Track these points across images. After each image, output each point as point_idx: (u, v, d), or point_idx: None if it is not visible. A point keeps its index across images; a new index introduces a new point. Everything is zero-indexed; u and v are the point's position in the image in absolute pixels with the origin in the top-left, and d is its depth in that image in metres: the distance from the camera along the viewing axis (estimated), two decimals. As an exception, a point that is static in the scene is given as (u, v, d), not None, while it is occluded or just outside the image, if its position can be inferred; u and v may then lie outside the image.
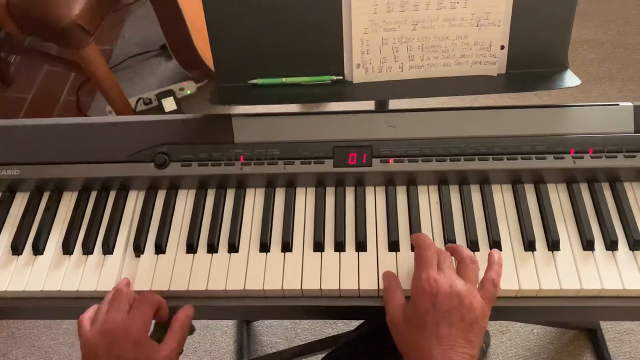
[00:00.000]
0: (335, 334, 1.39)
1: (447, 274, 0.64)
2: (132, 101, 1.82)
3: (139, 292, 0.69)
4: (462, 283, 0.63)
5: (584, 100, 1.79)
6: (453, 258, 0.68)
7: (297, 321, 1.43)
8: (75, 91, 1.96)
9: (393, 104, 0.96)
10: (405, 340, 0.63)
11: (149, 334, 0.66)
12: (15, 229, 0.80)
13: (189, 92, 1.88)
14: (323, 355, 1.27)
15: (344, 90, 0.82)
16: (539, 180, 0.78)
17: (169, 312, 0.70)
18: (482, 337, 0.63)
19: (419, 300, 0.63)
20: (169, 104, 1.80)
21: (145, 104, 1.83)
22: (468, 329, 0.61)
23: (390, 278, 0.69)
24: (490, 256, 0.68)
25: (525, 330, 1.38)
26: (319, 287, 0.71)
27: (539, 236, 0.74)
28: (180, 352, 0.77)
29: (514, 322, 1.39)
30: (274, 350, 1.38)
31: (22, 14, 1.45)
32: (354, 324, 1.37)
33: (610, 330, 1.37)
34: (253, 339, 1.41)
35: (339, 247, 0.74)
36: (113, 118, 0.82)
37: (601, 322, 1.37)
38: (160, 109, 1.81)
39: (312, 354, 1.28)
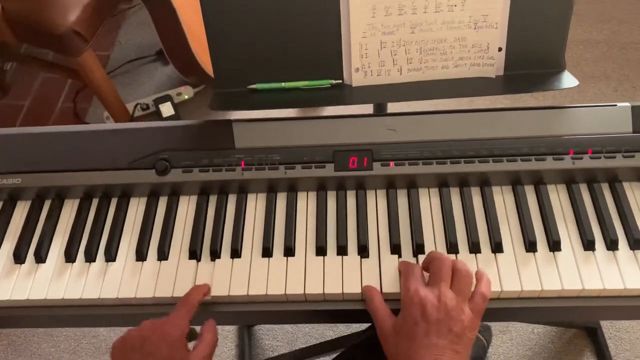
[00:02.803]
0: (336, 337, 1.39)
1: (438, 286, 0.65)
2: (130, 107, 1.82)
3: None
4: (452, 295, 0.64)
5: (580, 100, 1.80)
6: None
7: (299, 325, 1.43)
8: (72, 98, 1.96)
9: (391, 107, 0.96)
10: (395, 352, 0.64)
11: None
12: (17, 238, 0.79)
13: (186, 97, 1.88)
14: (323, 358, 1.27)
15: (343, 94, 0.83)
16: (538, 181, 0.79)
17: None
18: (471, 348, 0.64)
19: (408, 312, 0.64)
20: (167, 109, 1.80)
21: (143, 109, 1.83)
22: (456, 341, 0.62)
23: (370, 292, 0.70)
24: (479, 272, 0.69)
25: (525, 329, 1.38)
26: (322, 292, 0.72)
27: (540, 237, 0.74)
28: None
29: (515, 322, 1.39)
30: (276, 354, 1.38)
31: (19, 21, 1.45)
32: (354, 327, 1.38)
33: (610, 328, 1.37)
34: (254, 343, 1.41)
35: (342, 251, 0.75)
36: (114, 125, 0.82)
37: (601, 321, 1.37)
38: (157, 115, 1.81)
39: (313, 357, 1.28)
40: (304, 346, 1.38)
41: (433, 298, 0.64)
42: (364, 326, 0.91)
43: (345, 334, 1.38)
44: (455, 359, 0.61)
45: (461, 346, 0.62)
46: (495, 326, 1.39)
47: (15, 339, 1.46)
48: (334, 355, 0.86)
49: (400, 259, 0.74)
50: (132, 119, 1.80)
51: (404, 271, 0.70)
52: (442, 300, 0.63)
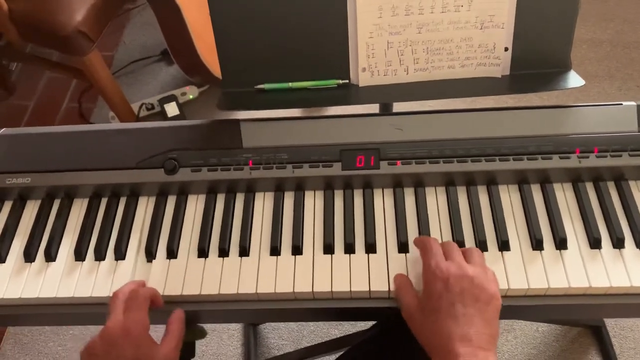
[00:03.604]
0: (342, 335, 1.39)
1: (456, 260, 0.66)
2: (135, 107, 1.82)
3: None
4: (471, 265, 0.65)
5: (584, 99, 1.80)
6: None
7: (304, 323, 1.43)
8: (77, 98, 1.96)
9: (398, 106, 0.97)
10: (423, 329, 0.64)
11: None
12: (27, 237, 0.80)
13: (191, 97, 1.89)
14: (329, 356, 1.28)
15: (350, 93, 0.83)
16: (545, 180, 0.79)
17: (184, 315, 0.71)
18: (498, 316, 0.63)
19: (431, 287, 0.64)
20: (172, 109, 1.81)
21: (148, 109, 1.84)
22: (484, 309, 0.62)
23: (400, 278, 0.71)
24: (466, 251, 0.69)
25: (530, 328, 1.39)
26: (329, 289, 0.72)
27: (546, 235, 0.74)
28: (193, 356, 0.78)
29: (519, 320, 1.40)
30: (281, 353, 1.39)
31: (24, 21, 1.46)
32: (360, 326, 1.38)
33: (615, 327, 1.38)
34: (260, 342, 1.42)
35: (349, 249, 0.75)
36: (122, 125, 0.82)
37: (605, 320, 1.37)
38: (162, 114, 1.82)
39: (319, 355, 1.28)
40: (309, 345, 1.39)
41: (455, 269, 0.64)
42: (369, 324, 0.91)
43: (351, 333, 1.39)
44: (486, 328, 0.60)
45: (490, 314, 0.62)
46: (500, 324, 1.39)
47: (22, 337, 1.47)
48: (340, 354, 0.86)
49: (407, 255, 0.74)
50: (137, 119, 1.81)
51: (422, 247, 0.69)
52: (464, 270, 0.64)
